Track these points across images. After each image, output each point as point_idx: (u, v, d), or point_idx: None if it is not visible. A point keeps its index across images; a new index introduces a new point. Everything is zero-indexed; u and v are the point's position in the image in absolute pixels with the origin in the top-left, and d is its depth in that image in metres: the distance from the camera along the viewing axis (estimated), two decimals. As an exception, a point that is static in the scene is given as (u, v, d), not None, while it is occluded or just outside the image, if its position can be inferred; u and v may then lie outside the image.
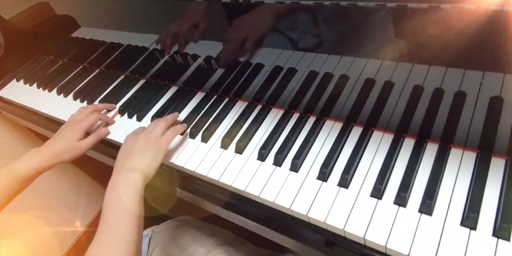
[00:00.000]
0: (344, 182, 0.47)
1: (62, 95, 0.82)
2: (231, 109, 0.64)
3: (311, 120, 0.57)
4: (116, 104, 0.74)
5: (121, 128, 0.68)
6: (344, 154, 0.51)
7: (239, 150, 0.56)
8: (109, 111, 0.73)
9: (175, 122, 0.62)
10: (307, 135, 0.54)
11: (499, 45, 0.40)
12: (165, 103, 0.70)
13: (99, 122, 0.69)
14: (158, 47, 0.71)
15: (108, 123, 0.70)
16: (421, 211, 0.42)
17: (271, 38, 0.58)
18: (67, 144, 0.60)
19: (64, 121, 0.75)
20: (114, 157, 0.68)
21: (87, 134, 0.65)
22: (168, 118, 0.60)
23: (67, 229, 1.30)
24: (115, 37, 0.80)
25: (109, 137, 0.67)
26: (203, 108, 0.66)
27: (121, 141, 0.65)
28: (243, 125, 0.60)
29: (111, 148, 0.67)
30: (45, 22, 0.87)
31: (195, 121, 0.64)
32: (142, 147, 0.53)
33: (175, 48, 0.69)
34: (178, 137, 0.62)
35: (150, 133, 0.55)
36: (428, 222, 0.41)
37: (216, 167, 0.55)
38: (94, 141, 0.62)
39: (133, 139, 0.55)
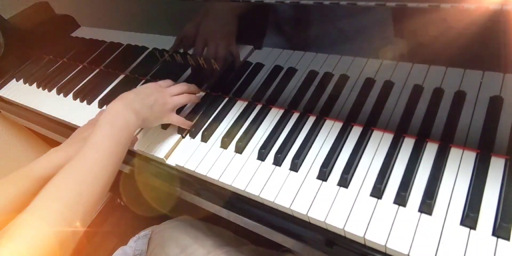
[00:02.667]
0: (344, 181, 0.47)
1: (62, 94, 0.82)
2: (231, 109, 0.64)
3: (311, 120, 0.57)
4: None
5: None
6: (344, 153, 0.51)
7: (239, 149, 0.56)
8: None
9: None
10: (307, 135, 0.54)
11: (499, 45, 0.40)
12: (165, 103, 0.70)
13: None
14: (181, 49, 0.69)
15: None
16: (421, 210, 0.42)
17: (270, 38, 0.58)
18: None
19: (64, 121, 0.75)
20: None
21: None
22: (193, 86, 0.59)
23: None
24: (115, 37, 0.79)
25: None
26: (203, 108, 0.66)
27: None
28: (243, 124, 0.60)
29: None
30: (45, 22, 0.87)
31: (195, 120, 0.64)
32: (151, 93, 0.52)
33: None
34: (178, 137, 0.62)
35: (165, 88, 0.55)
36: (428, 221, 0.41)
37: (216, 167, 0.55)
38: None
39: (150, 89, 0.54)
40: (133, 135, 0.49)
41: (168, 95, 0.55)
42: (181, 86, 0.57)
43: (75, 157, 0.44)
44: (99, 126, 0.47)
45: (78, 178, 0.42)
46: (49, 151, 0.57)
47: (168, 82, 0.61)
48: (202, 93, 0.60)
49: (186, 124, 0.59)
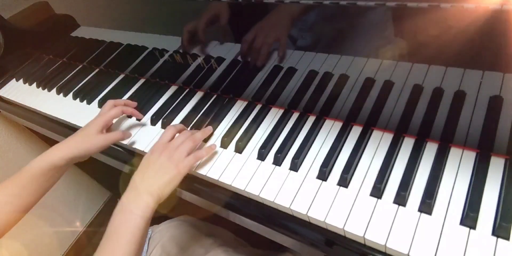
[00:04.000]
0: (344, 181, 0.47)
1: (61, 94, 0.82)
2: (230, 109, 0.64)
3: (311, 120, 0.57)
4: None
5: (120, 127, 0.68)
6: (344, 153, 0.51)
7: (239, 149, 0.56)
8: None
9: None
10: (306, 135, 0.54)
11: (498, 45, 0.40)
12: (164, 103, 0.70)
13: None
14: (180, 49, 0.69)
15: (134, 115, 0.67)
16: (420, 210, 0.42)
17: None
18: (82, 136, 0.57)
19: (64, 121, 0.75)
20: (114, 157, 0.68)
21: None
22: (198, 135, 0.56)
23: (67, 229, 1.30)
24: (114, 37, 0.80)
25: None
26: (203, 108, 0.66)
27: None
28: (242, 124, 0.60)
29: (111, 147, 0.67)
30: (45, 22, 0.87)
31: (195, 120, 0.64)
32: (162, 167, 0.51)
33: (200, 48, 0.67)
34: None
35: (174, 152, 0.52)
36: (427, 221, 0.41)
37: (216, 167, 0.55)
38: (116, 136, 0.59)
39: (156, 154, 0.53)
40: (151, 216, 0.49)
41: (180, 164, 0.52)
42: (190, 143, 0.54)
43: (97, 251, 0.45)
44: (116, 216, 0.48)
45: None
46: (50, 148, 0.57)
47: (171, 133, 0.57)
48: (214, 146, 0.57)
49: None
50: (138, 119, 0.69)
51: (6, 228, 0.53)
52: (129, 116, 0.70)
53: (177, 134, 0.58)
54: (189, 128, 0.63)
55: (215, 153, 0.57)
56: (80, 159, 0.58)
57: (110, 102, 0.65)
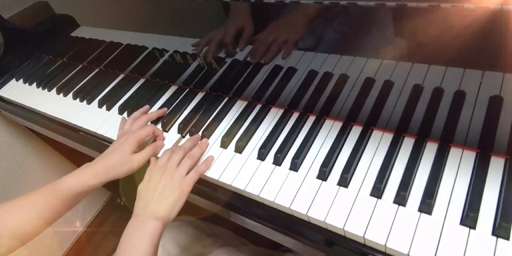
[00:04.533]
0: (344, 181, 0.47)
1: (61, 94, 0.82)
2: (230, 109, 0.64)
3: (311, 120, 0.57)
4: (115, 103, 0.74)
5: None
6: (344, 153, 0.51)
7: (239, 149, 0.56)
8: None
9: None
10: (306, 135, 0.54)
11: (498, 45, 0.40)
12: (164, 103, 0.70)
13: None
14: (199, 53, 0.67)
15: (159, 138, 0.63)
16: (420, 210, 0.42)
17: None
18: (118, 157, 0.54)
19: (64, 121, 0.75)
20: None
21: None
22: (196, 152, 0.55)
23: (67, 229, 1.30)
24: (114, 36, 0.79)
25: (105, 134, 0.67)
26: (203, 108, 0.66)
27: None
28: (242, 124, 0.60)
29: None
30: (45, 21, 0.87)
31: (195, 120, 0.64)
32: (165, 188, 0.50)
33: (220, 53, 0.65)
34: (178, 137, 0.62)
35: (175, 172, 0.51)
36: (427, 221, 0.41)
37: (216, 167, 0.55)
38: (149, 154, 0.56)
39: (157, 178, 0.51)
40: (161, 236, 0.48)
41: (182, 183, 0.51)
42: (190, 161, 0.53)
43: None
44: (124, 243, 0.47)
45: None
46: (82, 166, 0.56)
47: (178, 157, 0.54)
48: (211, 158, 0.56)
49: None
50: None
51: (18, 244, 0.50)
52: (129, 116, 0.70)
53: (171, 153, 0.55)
54: (188, 128, 0.63)
55: (216, 153, 0.57)
56: (112, 180, 0.56)
57: (142, 119, 0.63)
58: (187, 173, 0.52)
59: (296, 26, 0.53)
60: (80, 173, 0.54)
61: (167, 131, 0.64)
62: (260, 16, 0.55)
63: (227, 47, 0.62)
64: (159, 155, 0.59)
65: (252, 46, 0.60)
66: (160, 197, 0.49)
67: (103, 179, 0.54)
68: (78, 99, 0.79)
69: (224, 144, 0.57)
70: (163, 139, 0.63)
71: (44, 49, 0.96)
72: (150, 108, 0.70)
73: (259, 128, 0.59)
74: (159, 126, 0.66)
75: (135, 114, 0.65)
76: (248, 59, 0.63)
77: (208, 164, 0.55)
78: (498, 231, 0.38)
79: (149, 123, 0.65)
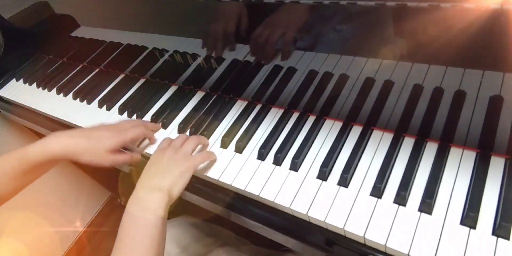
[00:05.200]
0: (344, 181, 0.47)
1: (61, 94, 0.82)
2: (230, 109, 0.64)
3: (311, 119, 0.57)
4: (115, 103, 0.74)
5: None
6: (344, 153, 0.51)
7: (239, 149, 0.56)
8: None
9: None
10: (306, 134, 0.54)
11: (499, 44, 0.40)
12: (164, 103, 0.70)
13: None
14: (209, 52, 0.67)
15: (150, 141, 0.62)
16: (421, 210, 0.42)
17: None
18: (95, 147, 0.52)
19: (64, 121, 0.75)
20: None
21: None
22: (201, 138, 0.55)
23: (67, 229, 1.30)
24: (114, 37, 0.79)
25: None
26: (203, 108, 0.66)
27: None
28: (243, 124, 0.60)
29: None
30: (45, 22, 0.87)
31: (195, 120, 0.64)
32: (169, 163, 0.49)
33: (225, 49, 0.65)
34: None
35: (178, 149, 0.51)
36: (428, 221, 0.41)
37: (216, 167, 0.55)
38: (124, 161, 0.55)
39: (159, 153, 0.51)
40: (167, 211, 0.46)
41: (188, 159, 0.50)
42: (195, 140, 0.53)
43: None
44: (126, 218, 0.44)
45: None
46: (48, 135, 0.54)
47: (181, 139, 0.55)
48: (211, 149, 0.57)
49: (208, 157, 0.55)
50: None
51: None
52: (129, 116, 0.70)
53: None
54: (189, 129, 0.63)
55: (216, 153, 0.57)
56: (75, 161, 0.54)
57: (138, 121, 0.62)
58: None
59: (294, 22, 0.53)
60: (47, 143, 0.52)
61: (166, 130, 0.64)
62: (257, 14, 0.55)
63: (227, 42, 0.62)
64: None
65: (250, 44, 0.60)
66: (165, 170, 0.48)
67: (69, 157, 0.52)
68: (78, 99, 0.79)
69: (224, 144, 0.57)
70: (154, 142, 0.61)
71: (44, 49, 0.96)
72: (151, 108, 0.70)
73: (259, 128, 0.59)
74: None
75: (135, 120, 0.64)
76: (248, 58, 0.63)
77: (214, 155, 0.55)
78: (498, 231, 0.38)
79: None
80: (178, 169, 0.48)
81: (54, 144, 0.52)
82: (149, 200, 0.45)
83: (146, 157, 0.62)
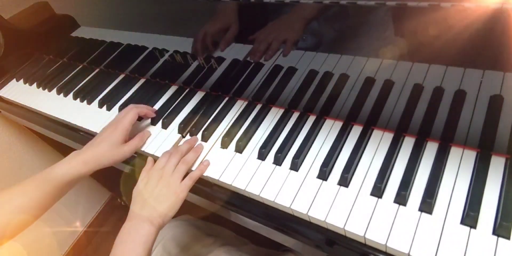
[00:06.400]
0: (344, 181, 0.47)
1: (62, 94, 0.82)
2: (231, 108, 0.64)
3: (311, 119, 0.57)
4: (116, 103, 0.74)
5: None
6: (344, 153, 0.51)
7: (239, 149, 0.56)
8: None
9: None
10: (307, 134, 0.54)
11: (499, 44, 0.40)
12: (165, 103, 0.70)
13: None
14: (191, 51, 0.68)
15: (147, 116, 0.65)
16: (421, 209, 0.42)
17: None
18: (108, 147, 0.56)
19: (64, 121, 0.75)
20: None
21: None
22: (190, 157, 0.55)
23: (67, 229, 1.30)
24: (114, 37, 0.80)
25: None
26: (203, 108, 0.66)
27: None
28: (243, 124, 0.60)
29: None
30: (45, 22, 0.87)
31: (195, 120, 0.64)
32: (160, 194, 0.51)
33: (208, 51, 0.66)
34: (178, 136, 0.62)
35: (170, 178, 0.52)
36: (428, 220, 0.41)
37: (216, 167, 0.55)
38: (138, 144, 0.59)
39: (153, 180, 0.52)
40: (153, 244, 0.49)
41: (177, 189, 0.52)
42: (184, 167, 0.54)
43: None
44: (118, 246, 0.48)
45: None
46: (70, 154, 0.56)
47: (163, 160, 0.55)
48: (207, 164, 0.56)
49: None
50: (138, 120, 0.68)
51: (15, 232, 0.52)
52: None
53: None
54: (189, 128, 0.63)
55: (216, 153, 0.57)
56: (102, 168, 0.57)
57: (128, 107, 0.63)
58: (183, 179, 0.53)
59: (294, 26, 0.53)
60: (70, 162, 0.55)
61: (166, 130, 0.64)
62: (256, 15, 0.55)
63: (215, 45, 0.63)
64: (155, 152, 0.59)
65: (252, 46, 0.60)
66: (156, 202, 0.50)
67: (92, 167, 0.55)
68: (78, 99, 0.79)
69: (225, 144, 0.57)
70: (155, 114, 0.65)
71: (44, 49, 0.96)
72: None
73: (259, 128, 0.59)
74: (159, 125, 0.66)
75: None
76: (248, 58, 0.64)
77: (203, 169, 0.55)
78: (499, 230, 0.38)
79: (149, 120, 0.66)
80: (168, 202, 0.51)
81: (77, 161, 0.55)
82: (140, 233, 0.48)
83: (145, 157, 0.63)
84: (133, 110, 0.61)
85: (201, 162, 0.56)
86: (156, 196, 0.51)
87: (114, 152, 0.56)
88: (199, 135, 0.61)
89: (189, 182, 0.53)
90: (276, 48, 0.58)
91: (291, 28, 0.54)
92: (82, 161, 0.55)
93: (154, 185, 0.52)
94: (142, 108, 0.63)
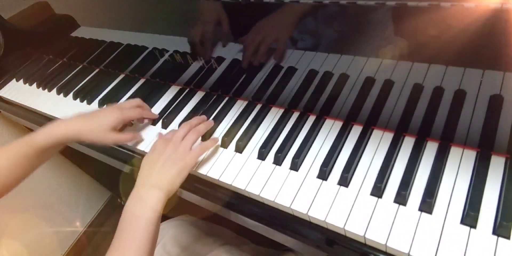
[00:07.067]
0: (344, 180, 0.47)
1: (62, 94, 0.82)
2: (231, 108, 0.64)
3: (311, 119, 0.57)
4: (116, 103, 0.74)
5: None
6: (344, 153, 0.51)
7: (239, 149, 0.56)
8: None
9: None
10: (307, 134, 0.54)
11: (499, 44, 0.40)
12: (165, 103, 0.70)
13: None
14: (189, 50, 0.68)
15: (149, 118, 0.65)
16: (421, 209, 0.42)
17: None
18: (97, 126, 0.55)
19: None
20: (114, 157, 0.68)
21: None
22: (201, 127, 0.56)
23: (67, 229, 1.30)
24: (114, 37, 0.79)
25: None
26: (203, 108, 0.66)
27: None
28: (243, 124, 0.60)
29: (110, 146, 0.67)
30: (45, 22, 0.86)
31: (195, 120, 0.64)
32: (168, 161, 0.50)
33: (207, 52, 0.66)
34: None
35: (179, 145, 0.52)
36: (428, 220, 0.41)
37: (216, 167, 0.55)
38: (126, 139, 0.59)
39: (161, 149, 0.52)
40: (162, 211, 0.48)
41: (186, 156, 0.51)
42: (195, 135, 0.54)
43: (109, 250, 0.44)
44: (126, 212, 0.47)
45: None
46: (57, 121, 0.57)
47: (183, 132, 0.55)
48: (217, 139, 0.57)
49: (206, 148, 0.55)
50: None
51: (2, 192, 0.52)
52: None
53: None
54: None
55: (216, 153, 0.57)
56: (79, 142, 0.57)
57: (137, 100, 0.63)
58: (192, 149, 0.53)
59: (285, 24, 0.53)
60: (54, 127, 0.55)
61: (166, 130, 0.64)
62: (257, 13, 0.55)
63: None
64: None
65: (243, 48, 0.61)
66: (163, 168, 0.50)
67: (72, 139, 0.56)
68: (78, 99, 0.79)
69: (225, 143, 0.57)
70: (154, 118, 0.65)
71: (44, 49, 0.96)
72: (151, 108, 0.70)
73: (259, 128, 0.59)
74: (158, 125, 0.66)
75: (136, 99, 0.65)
76: (243, 63, 0.63)
77: (214, 143, 0.55)
78: (499, 230, 0.38)
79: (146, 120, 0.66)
80: (175, 167, 0.50)
81: (59, 127, 0.55)
82: (148, 198, 0.47)
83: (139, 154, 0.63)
84: (139, 112, 0.61)
85: (213, 137, 0.56)
86: (164, 162, 0.50)
87: (100, 134, 0.55)
88: (199, 135, 0.61)
89: (199, 150, 0.52)
90: (265, 52, 0.59)
91: (278, 33, 0.55)
92: (66, 129, 0.55)
93: (161, 152, 0.51)
94: (148, 113, 0.64)
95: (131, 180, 0.58)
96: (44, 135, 0.54)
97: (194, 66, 0.71)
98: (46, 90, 0.85)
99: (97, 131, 0.55)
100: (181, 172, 0.50)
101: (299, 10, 0.51)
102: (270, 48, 0.58)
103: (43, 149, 0.55)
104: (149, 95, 0.72)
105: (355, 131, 0.53)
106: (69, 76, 0.87)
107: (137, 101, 0.63)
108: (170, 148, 0.51)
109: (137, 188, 0.49)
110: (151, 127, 0.66)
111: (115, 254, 0.44)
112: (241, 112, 0.62)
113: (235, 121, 0.61)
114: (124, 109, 0.59)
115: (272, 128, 0.57)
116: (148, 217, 0.46)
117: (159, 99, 0.71)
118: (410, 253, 0.39)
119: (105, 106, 0.74)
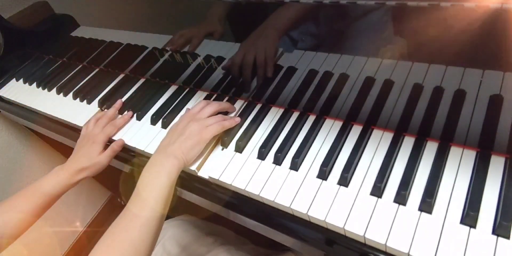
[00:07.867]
0: (344, 180, 0.47)
1: (61, 94, 0.82)
2: (231, 108, 0.64)
3: (311, 119, 0.57)
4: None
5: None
6: (344, 152, 0.51)
7: (239, 149, 0.56)
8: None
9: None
10: (307, 134, 0.54)
11: (499, 43, 0.40)
12: (164, 102, 0.70)
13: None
14: (168, 48, 0.70)
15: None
16: (421, 209, 0.42)
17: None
18: (88, 160, 0.62)
19: (63, 121, 0.75)
20: (114, 157, 0.68)
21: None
22: (226, 124, 0.58)
23: (67, 229, 1.30)
24: (114, 36, 0.79)
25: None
26: (203, 107, 0.66)
27: (115, 138, 0.66)
28: (243, 124, 0.60)
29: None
30: (44, 21, 0.86)
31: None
32: (186, 132, 0.54)
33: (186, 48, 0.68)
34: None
35: (201, 121, 0.56)
36: (428, 220, 0.41)
37: (216, 166, 0.55)
38: (112, 154, 0.64)
39: (185, 121, 0.57)
40: (176, 179, 0.52)
41: (203, 131, 0.55)
42: (218, 117, 0.58)
43: (122, 216, 0.48)
44: (144, 176, 0.51)
45: (128, 234, 0.47)
46: (55, 168, 0.62)
47: (201, 106, 0.60)
48: (238, 119, 0.60)
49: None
50: (138, 119, 0.69)
51: (9, 242, 0.57)
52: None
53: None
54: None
55: (216, 152, 0.57)
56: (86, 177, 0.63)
57: (102, 120, 0.67)
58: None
59: (269, 39, 0.56)
60: (58, 175, 0.60)
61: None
62: (257, 13, 0.55)
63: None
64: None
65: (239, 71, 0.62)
66: (181, 139, 0.54)
67: (78, 178, 0.62)
68: (78, 99, 0.79)
69: (224, 143, 0.57)
70: (126, 122, 0.69)
71: (44, 49, 0.96)
72: (151, 108, 0.70)
73: (259, 128, 0.59)
74: (158, 125, 0.66)
75: (100, 117, 0.69)
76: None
77: (233, 123, 0.58)
78: (499, 230, 0.38)
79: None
80: (193, 139, 0.54)
81: (65, 175, 0.61)
82: (165, 164, 0.51)
83: (145, 157, 0.63)
84: (112, 128, 0.66)
85: (232, 117, 0.60)
86: (182, 134, 0.54)
87: (94, 164, 0.62)
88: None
89: (216, 127, 0.56)
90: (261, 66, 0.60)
91: (266, 43, 0.57)
92: (68, 173, 0.60)
93: (184, 125, 0.56)
94: (120, 123, 0.68)
95: (131, 180, 0.58)
96: (53, 183, 0.59)
97: (194, 66, 0.71)
98: (46, 89, 0.85)
99: (92, 164, 0.62)
100: (196, 145, 0.54)
101: (299, 10, 0.51)
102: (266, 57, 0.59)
103: (53, 196, 0.60)
104: (149, 95, 0.72)
105: (355, 131, 0.53)
106: (69, 76, 0.87)
107: (103, 120, 0.68)
108: (192, 123, 0.56)
109: (156, 155, 0.53)
110: (150, 126, 0.66)
111: (127, 217, 0.47)
112: (241, 112, 0.62)
113: (235, 121, 0.61)
114: (97, 135, 0.64)
115: (272, 128, 0.57)
116: (164, 181, 0.49)
117: (159, 99, 0.71)
118: (410, 253, 0.39)
119: (104, 106, 0.74)
